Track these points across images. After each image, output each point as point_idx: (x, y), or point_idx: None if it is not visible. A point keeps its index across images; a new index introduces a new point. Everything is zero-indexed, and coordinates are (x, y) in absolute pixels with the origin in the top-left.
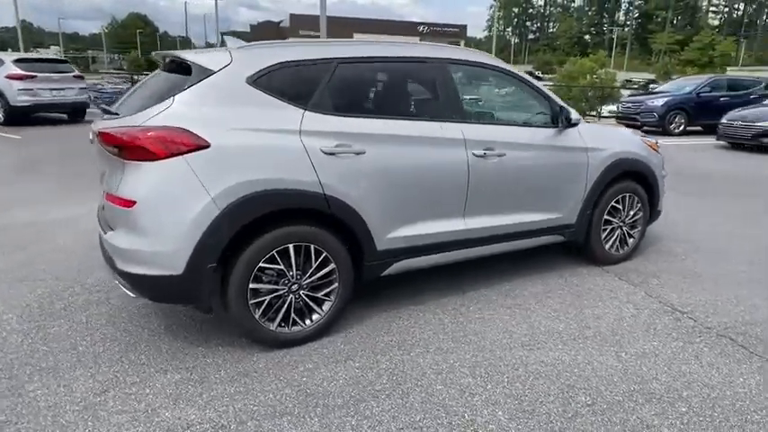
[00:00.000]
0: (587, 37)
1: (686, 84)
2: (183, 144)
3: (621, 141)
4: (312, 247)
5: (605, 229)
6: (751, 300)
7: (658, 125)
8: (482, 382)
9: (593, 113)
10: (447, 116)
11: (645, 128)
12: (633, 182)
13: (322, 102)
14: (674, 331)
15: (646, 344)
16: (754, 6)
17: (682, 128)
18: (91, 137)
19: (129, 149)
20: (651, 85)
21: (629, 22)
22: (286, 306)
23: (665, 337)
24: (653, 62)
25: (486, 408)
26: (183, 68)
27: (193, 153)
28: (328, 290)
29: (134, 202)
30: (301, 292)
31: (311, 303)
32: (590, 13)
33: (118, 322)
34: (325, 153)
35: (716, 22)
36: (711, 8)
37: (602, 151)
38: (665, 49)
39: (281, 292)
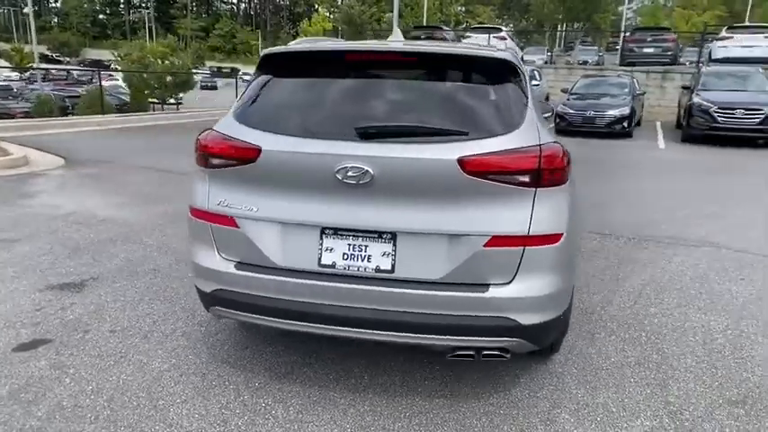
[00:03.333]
0: (103, 17)
1: None
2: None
3: None
4: None
5: None
6: None
7: None
8: None
9: (173, 101)
10: None
11: None
12: None
13: None
14: None
15: None
16: (255, 1)
17: None
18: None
19: (544, 174)
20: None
21: (147, 6)
22: None
23: None
24: (182, 47)
25: None
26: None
27: None
28: None
29: (561, 236)
30: None
31: None
32: None
33: None
34: None
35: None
36: None
37: None
38: (191, 35)
39: None
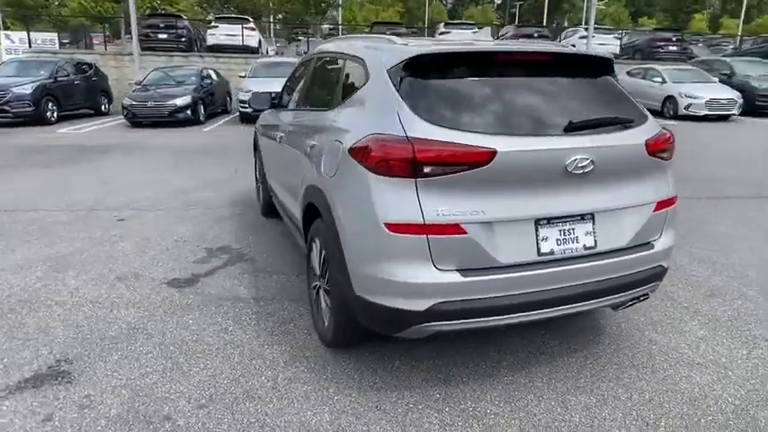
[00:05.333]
0: None
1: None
2: None
3: None
4: None
5: None
6: None
7: (35, 115)
8: None
9: None
10: None
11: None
12: None
13: None
14: None
15: None
16: None
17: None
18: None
19: (673, 151)
20: None
21: None
22: None
23: None
24: None
25: None
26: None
27: None
28: None
29: (676, 197)
30: None
31: None
32: None
33: None
34: None
35: None
36: None
37: None
38: None
39: None
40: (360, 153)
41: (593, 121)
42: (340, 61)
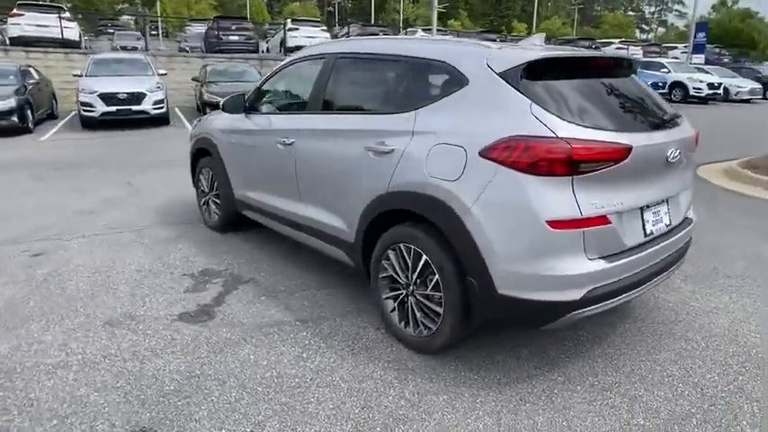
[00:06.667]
0: None
1: None
2: None
3: None
4: None
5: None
6: None
7: None
8: None
9: None
10: None
11: None
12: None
13: None
14: None
15: None
16: None
17: None
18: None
19: None
20: None
21: None
22: None
23: None
24: None
25: None
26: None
27: None
28: None
29: None
30: None
31: None
32: None
33: None
34: None
35: None
36: None
37: None
38: None
39: None
40: (501, 154)
41: (673, 117)
42: (397, 64)
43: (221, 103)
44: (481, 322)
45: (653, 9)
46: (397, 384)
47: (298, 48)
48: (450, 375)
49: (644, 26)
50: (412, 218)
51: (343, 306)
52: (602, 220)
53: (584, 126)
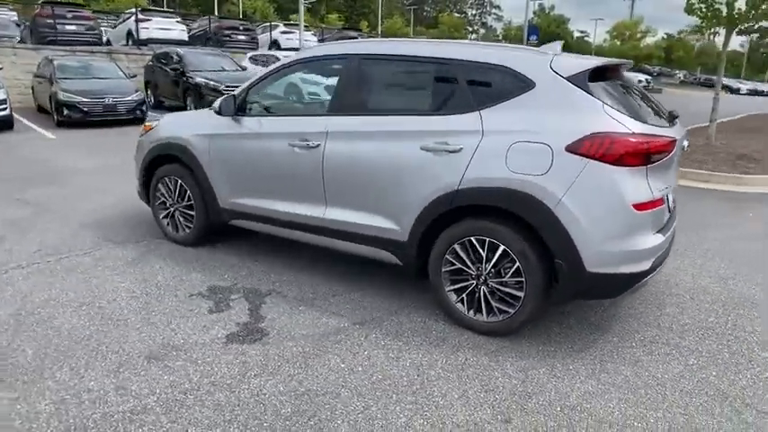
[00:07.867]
0: None
1: None
2: None
3: None
4: None
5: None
6: None
7: None
8: None
9: None
10: None
11: None
12: None
13: None
14: None
15: None
16: None
17: None
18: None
19: None
20: None
21: None
22: None
23: None
24: None
25: None
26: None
27: None
28: None
29: None
30: None
31: None
32: None
33: None
34: None
35: None
36: None
37: None
38: None
39: None
40: (590, 149)
41: (671, 112)
42: (450, 67)
43: (217, 106)
44: (568, 299)
45: (474, 12)
46: (496, 366)
47: (151, 41)
48: (531, 350)
49: (468, 27)
50: (488, 211)
51: (387, 305)
52: (661, 201)
53: (643, 122)
